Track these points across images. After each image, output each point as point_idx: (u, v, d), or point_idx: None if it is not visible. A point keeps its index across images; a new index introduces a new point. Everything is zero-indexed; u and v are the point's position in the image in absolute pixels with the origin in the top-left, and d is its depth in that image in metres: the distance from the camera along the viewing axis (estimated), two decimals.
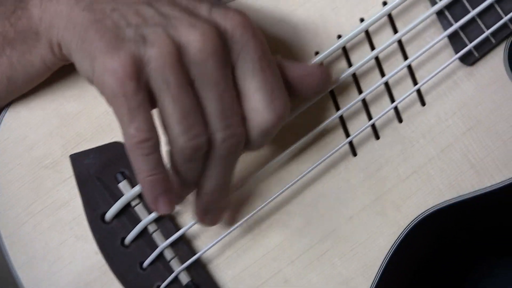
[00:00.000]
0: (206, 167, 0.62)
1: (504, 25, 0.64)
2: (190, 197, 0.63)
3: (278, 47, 0.67)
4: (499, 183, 0.65)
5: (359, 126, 0.65)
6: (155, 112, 0.59)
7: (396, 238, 0.66)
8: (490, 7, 0.65)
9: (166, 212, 0.60)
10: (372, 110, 0.65)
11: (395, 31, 0.65)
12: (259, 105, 0.62)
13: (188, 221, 0.66)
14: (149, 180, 0.60)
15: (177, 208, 0.66)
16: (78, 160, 0.67)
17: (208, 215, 0.64)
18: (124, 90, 0.60)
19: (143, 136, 0.60)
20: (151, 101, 0.60)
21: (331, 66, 0.66)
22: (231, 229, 0.65)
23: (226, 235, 0.65)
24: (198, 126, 0.61)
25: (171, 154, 0.60)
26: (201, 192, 0.63)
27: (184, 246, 0.66)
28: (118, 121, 0.59)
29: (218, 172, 0.62)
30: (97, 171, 0.67)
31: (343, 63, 0.66)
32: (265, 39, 0.62)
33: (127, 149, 0.59)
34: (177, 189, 0.62)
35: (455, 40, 0.65)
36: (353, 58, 0.66)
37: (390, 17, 0.65)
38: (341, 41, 0.64)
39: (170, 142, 0.60)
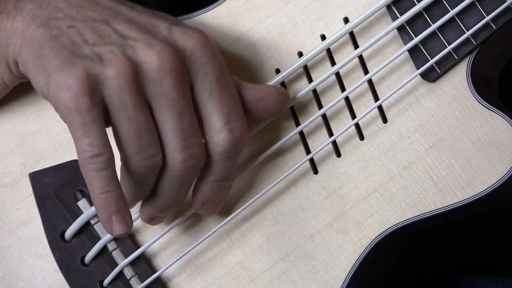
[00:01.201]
0: (160, 184, 0.63)
1: (467, 40, 0.64)
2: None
3: (238, 65, 0.67)
4: (462, 201, 0.65)
5: (320, 143, 0.66)
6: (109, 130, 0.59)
7: (358, 256, 0.66)
8: (452, 21, 0.65)
9: (121, 232, 0.61)
10: (333, 127, 0.66)
11: (356, 46, 0.65)
12: (216, 125, 0.63)
13: (147, 239, 0.67)
14: (103, 197, 0.61)
15: (135, 226, 0.66)
16: (37, 179, 0.68)
17: (153, 221, 0.66)
18: (78, 106, 0.61)
19: (96, 151, 0.61)
20: (106, 118, 0.61)
21: (291, 83, 0.66)
22: (191, 247, 0.66)
23: (186, 253, 0.66)
24: (153, 146, 0.62)
25: (124, 171, 0.61)
26: (152, 204, 0.64)
27: (143, 264, 0.67)
28: (72, 136, 0.60)
29: (173, 191, 0.63)
30: (56, 190, 0.68)
31: (304, 79, 0.66)
32: (224, 58, 0.62)
33: (80, 164, 0.61)
34: (129, 204, 0.62)
35: (416, 56, 0.65)
36: (314, 74, 0.66)
37: (351, 33, 0.65)
38: (301, 60, 0.65)
39: (123, 160, 0.61)
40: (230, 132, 0.65)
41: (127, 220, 0.63)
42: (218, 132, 0.65)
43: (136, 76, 0.63)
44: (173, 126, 0.64)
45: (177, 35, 0.66)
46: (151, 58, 0.63)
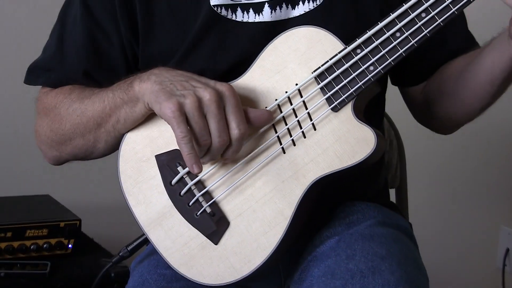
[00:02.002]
0: (208, 152, 1.22)
1: (351, 94, 1.29)
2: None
3: (245, 101, 1.31)
4: (351, 164, 1.27)
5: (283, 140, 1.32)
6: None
7: (303, 191, 1.30)
8: (344, 87, 1.29)
9: (197, 171, 1.19)
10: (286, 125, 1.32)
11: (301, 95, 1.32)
12: (232, 127, 1.20)
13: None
14: (188, 156, 1.18)
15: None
16: (158, 157, 1.36)
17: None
18: (174, 116, 1.17)
19: (184, 135, 1.16)
20: (187, 122, 1.18)
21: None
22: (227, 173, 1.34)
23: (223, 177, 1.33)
24: (206, 135, 1.19)
25: (196, 146, 1.20)
26: (205, 159, 1.26)
27: (200, 186, 1.33)
28: (172, 130, 1.17)
29: (213, 154, 1.24)
30: (168, 161, 1.34)
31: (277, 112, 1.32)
32: (238, 96, 1.22)
33: (177, 142, 1.18)
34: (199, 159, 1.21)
35: (329, 98, 1.28)
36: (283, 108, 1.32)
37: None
38: (273, 105, 1.31)
39: (195, 140, 1.19)
40: (239, 131, 1.21)
41: (199, 166, 1.19)
42: (233, 130, 1.20)
43: (200, 103, 1.18)
44: (215, 126, 1.19)
45: (218, 85, 1.21)
46: (206, 95, 1.19)
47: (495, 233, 2.93)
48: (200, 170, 1.22)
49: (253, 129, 1.29)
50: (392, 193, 1.92)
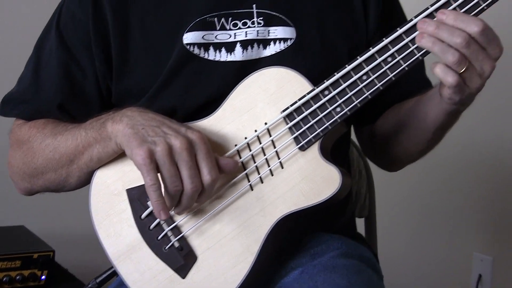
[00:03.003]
0: (181, 199, 1.24)
1: (317, 134, 1.33)
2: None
3: (214, 139, 1.35)
4: (316, 202, 1.31)
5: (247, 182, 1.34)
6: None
7: (269, 228, 1.33)
8: (312, 127, 1.33)
9: (163, 217, 1.22)
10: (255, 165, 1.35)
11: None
12: (204, 173, 1.23)
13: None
14: (156, 203, 1.21)
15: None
16: (129, 191, 1.39)
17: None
18: (144, 163, 1.19)
19: (152, 183, 1.19)
20: (157, 169, 1.20)
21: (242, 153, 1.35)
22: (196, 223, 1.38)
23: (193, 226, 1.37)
24: (178, 182, 1.21)
25: (165, 193, 1.22)
26: (177, 207, 1.28)
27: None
28: (142, 176, 1.20)
29: (187, 202, 1.27)
30: (138, 196, 1.38)
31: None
32: (209, 143, 1.25)
33: (146, 188, 1.20)
34: (168, 207, 1.23)
35: (297, 138, 1.33)
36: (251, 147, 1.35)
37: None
38: (242, 143, 1.35)
39: (165, 187, 1.22)
40: (210, 177, 1.23)
41: (166, 213, 1.21)
42: (205, 176, 1.23)
43: (170, 151, 1.20)
44: (187, 173, 1.21)
45: (189, 133, 1.23)
46: (177, 143, 1.21)
47: (468, 260, 2.97)
48: (167, 217, 1.25)
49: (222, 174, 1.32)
50: (362, 222, 1.96)
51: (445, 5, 1.27)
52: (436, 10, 1.26)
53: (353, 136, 1.72)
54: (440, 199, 3.03)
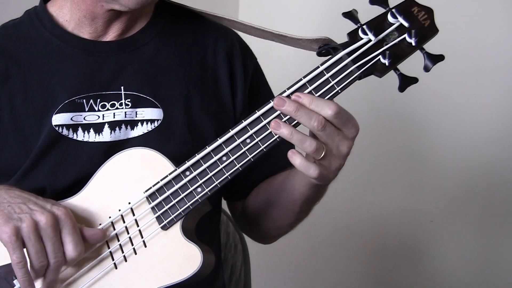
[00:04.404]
0: (46, 274, 1.30)
1: (179, 213, 1.37)
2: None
3: (80, 218, 1.39)
4: (183, 277, 1.41)
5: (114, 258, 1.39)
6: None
7: None
8: (173, 207, 1.38)
9: None
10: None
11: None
12: (68, 248, 1.27)
13: None
14: (22, 280, 1.25)
15: None
16: None
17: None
18: (10, 241, 1.22)
19: (19, 260, 1.22)
20: (24, 245, 1.23)
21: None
22: None
23: None
24: (43, 257, 1.25)
25: (31, 268, 1.28)
26: (43, 282, 1.32)
27: None
28: (9, 254, 1.22)
29: (51, 277, 1.32)
30: (5, 274, 1.37)
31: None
32: (74, 218, 1.31)
33: (13, 266, 1.23)
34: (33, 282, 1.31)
35: (159, 217, 1.38)
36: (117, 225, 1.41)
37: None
38: (106, 222, 1.39)
39: (30, 263, 1.29)
40: (76, 251, 1.26)
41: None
42: (70, 251, 1.26)
43: (36, 227, 1.23)
44: (51, 248, 1.24)
45: (54, 209, 1.27)
46: (42, 219, 1.24)
47: None
48: None
49: (88, 245, 1.35)
50: None
51: (301, 89, 1.32)
52: (293, 93, 1.30)
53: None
54: None
